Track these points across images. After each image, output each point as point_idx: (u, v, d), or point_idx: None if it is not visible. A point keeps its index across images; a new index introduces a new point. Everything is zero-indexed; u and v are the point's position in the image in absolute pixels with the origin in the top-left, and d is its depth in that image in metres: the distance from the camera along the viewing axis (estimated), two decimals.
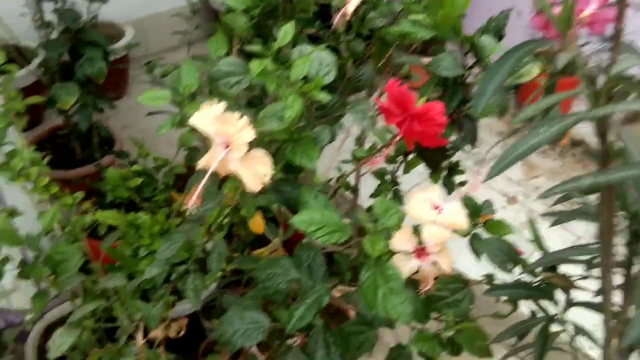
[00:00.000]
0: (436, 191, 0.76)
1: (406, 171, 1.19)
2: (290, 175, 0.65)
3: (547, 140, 0.36)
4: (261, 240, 1.47)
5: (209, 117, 0.57)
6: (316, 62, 0.58)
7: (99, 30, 1.36)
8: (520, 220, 1.89)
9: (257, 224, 1.05)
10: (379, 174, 1.25)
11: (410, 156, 1.12)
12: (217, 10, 2.33)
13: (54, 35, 1.25)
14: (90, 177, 1.40)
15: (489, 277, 0.68)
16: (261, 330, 0.63)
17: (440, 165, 0.89)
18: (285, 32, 0.60)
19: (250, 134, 0.54)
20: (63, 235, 0.80)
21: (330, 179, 1.25)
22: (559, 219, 0.59)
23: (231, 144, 0.56)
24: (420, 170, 1.13)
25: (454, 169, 1.06)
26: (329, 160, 1.28)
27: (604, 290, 0.48)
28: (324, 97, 0.55)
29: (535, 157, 2.17)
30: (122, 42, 1.90)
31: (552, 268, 0.65)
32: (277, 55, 0.60)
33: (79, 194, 0.97)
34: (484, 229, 0.96)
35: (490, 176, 0.38)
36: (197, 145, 1.39)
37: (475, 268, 0.79)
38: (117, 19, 2.07)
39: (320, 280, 0.64)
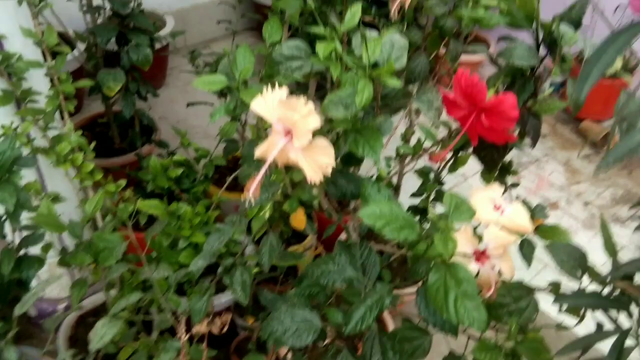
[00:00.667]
0: (498, 190, 0.72)
1: (452, 170, 1.14)
2: (347, 168, 0.61)
3: None
4: (296, 236, 1.44)
5: (271, 102, 0.54)
6: (388, 45, 0.54)
7: None
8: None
9: (300, 219, 1.01)
10: (423, 173, 1.21)
11: (460, 154, 1.08)
12: (257, 2, 2.31)
13: (100, 20, 1.25)
14: (130, 166, 1.39)
15: (555, 286, 0.64)
16: (312, 330, 0.59)
17: (498, 164, 0.84)
18: (353, 14, 0.56)
19: (316, 121, 0.50)
20: (108, 222, 0.78)
21: (371, 176, 1.21)
22: None
23: (294, 131, 0.52)
24: (461, 171, 1.08)
25: (507, 168, 1.01)
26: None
27: None
28: (395, 83, 0.52)
29: (579, 162, 2.09)
30: (164, 31, 1.90)
31: (628, 277, 0.59)
32: (343, 39, 0.57)
33: (122, 182, 0.96)
34: (537, 234, 0.91)
35: (603, 166, 0.34)
36: (236, 138, 1.37)
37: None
38: (158, 9, 2.07)
39: (375, 280, 0.60)
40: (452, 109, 0.66)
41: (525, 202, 0.93)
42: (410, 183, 1.19)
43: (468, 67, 1.73)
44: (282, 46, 0.58)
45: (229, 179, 1.11)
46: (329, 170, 0.54)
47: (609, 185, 1.98)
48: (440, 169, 1.18)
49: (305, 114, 0.51)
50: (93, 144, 0.88)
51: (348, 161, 0.61)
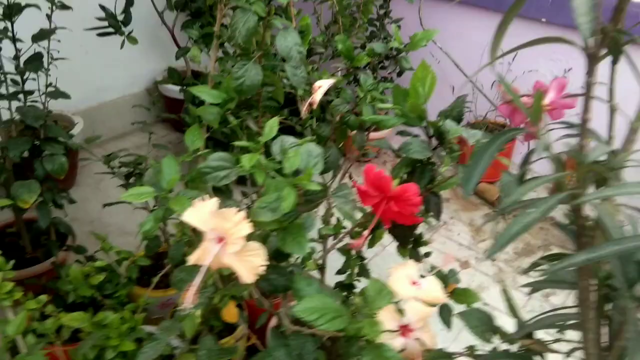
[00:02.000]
0: (414, 266, 0.80)
1: (371, 245, 1.22)
2: (278, 263, 0.66)
3: (537, 219, 0.40)
4: (226, 328, 1.43)
5: (202, 213, 0.58)
6: (305, 154, 0.61)
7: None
8: (475, 284, 1.95)
9: (232, 313, 1.03)
10: (345, 251, 1.28)
11: (377, 230, 1.17)
12: (167, 95, 2.38)
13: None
14: (45, 275, 1.33)
15: (471, 349, 0.71)
16: None
17: (410, 239, 0.93)
18: (271, 126, 0.63)
19: (247, 228, 0.55)
20: (31, 343, 0.75)
21: (297, 258, 1.26)
22: (535, 287, 0.63)
23: (227, 238, 0.57)
24: (380, 241, 1.17)
25: (418, 240, 1.11)
26: None
27: (588, 355, 0.51)
28: (315, 187, 0.59)
29: (481, 221, 2.29)
30: (74, 132, 1.89)
31: (529, 335, 0.68)
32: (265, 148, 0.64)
33: (43, 297, 0.93)
34: (452, 298, 1.00)
35: (492, 253, 0.42)
36: (157, 233, 1.37)
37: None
38: (66, 110, 2.07)
39: None
40: (365, 199, 0.74)
41: (434, 268, 1.02)
42: (337, 259, 1.25)
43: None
44: (209, 160, 0.63)
45: (155, 280, 1.10)
46: (262, 270, 0.58)
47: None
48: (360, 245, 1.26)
49: (236, 222, 0.56)
50: (12, 263, 0.86)
51: (277, 256, 0.66)
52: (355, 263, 1.24)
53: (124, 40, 1.73)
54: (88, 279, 1.08)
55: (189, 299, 0.57)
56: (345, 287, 1.30)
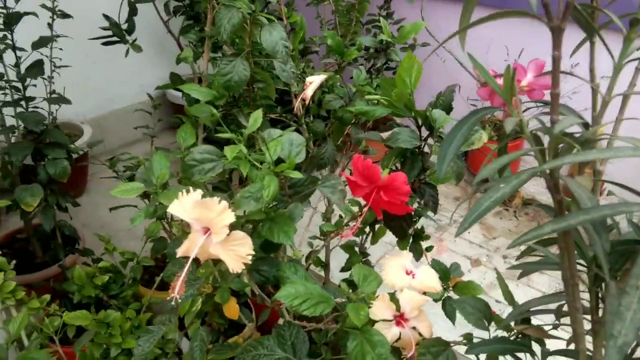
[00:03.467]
0: (408, 256, 0.79)
1: (374, 242, 1.22)
2: (268, 254, 0.66)
3: (507, 194, 0.40)
4: (234, 327, 1.44)
5: (187, 205, 0.59)
6: (287, 143, 0.62)
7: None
8: (487, 281, 1.93)
9: (232, 309, 1.03)
10: (348, 247, 1.28)
11: (377, 226, 1.16)
12: (174, 102, 2.41)
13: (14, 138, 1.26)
14: (54, 278, 1.36)
15: (468, 337, 0.70)
16: None
17: (407, 232, 0.92)
18: (255, 118, 0.64)
19: (230, 217, 0.56)
20: (33, 340, 0.76)
21: (302, 256, 1.26)
22: (524, 270, 0.62)
23: (212, 228, 0.57)
24: (386, 240, 1.17)
25: (420, 235, 1.10)
26: (299, 238, 1.30)
27: (576, 335, 0.50)
28: (297, 175, 0.59)
29: (492, 219, 2.26)
30: (81, 141, 1.92)
31: (526, 320, 0.67)
32: (249, 140, 0.64)
33: (46, 297, 0.94)
34: (455, 291, 0.99)
35: (460, 231, 0.42)
36: (163, 235, 1.38)
37: (450, 334, 0.80)
38: (75, 119, 2.11)
39: (305, 357, 0.64)
40: (355, 189, 0.74)
41: (439, 263, 1.01)
42: (342, 258, 1.25)
43: None
44: (194, 152, 0.64)
45: (158, 280, 1.12)
46: (249, 259, 0.58)
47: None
48: (363, 242, 1.26)
49: (220, 212, 0.56)
50: (13, 263, 0.88)
51: (267, 248, 0.66)
52: (358, 259, 1.24)
53: (128, 49, 1.76)
54: (92, 280, 1.10)
55: (176, 289, 0.58)
56: (350, 284, 1.29)
